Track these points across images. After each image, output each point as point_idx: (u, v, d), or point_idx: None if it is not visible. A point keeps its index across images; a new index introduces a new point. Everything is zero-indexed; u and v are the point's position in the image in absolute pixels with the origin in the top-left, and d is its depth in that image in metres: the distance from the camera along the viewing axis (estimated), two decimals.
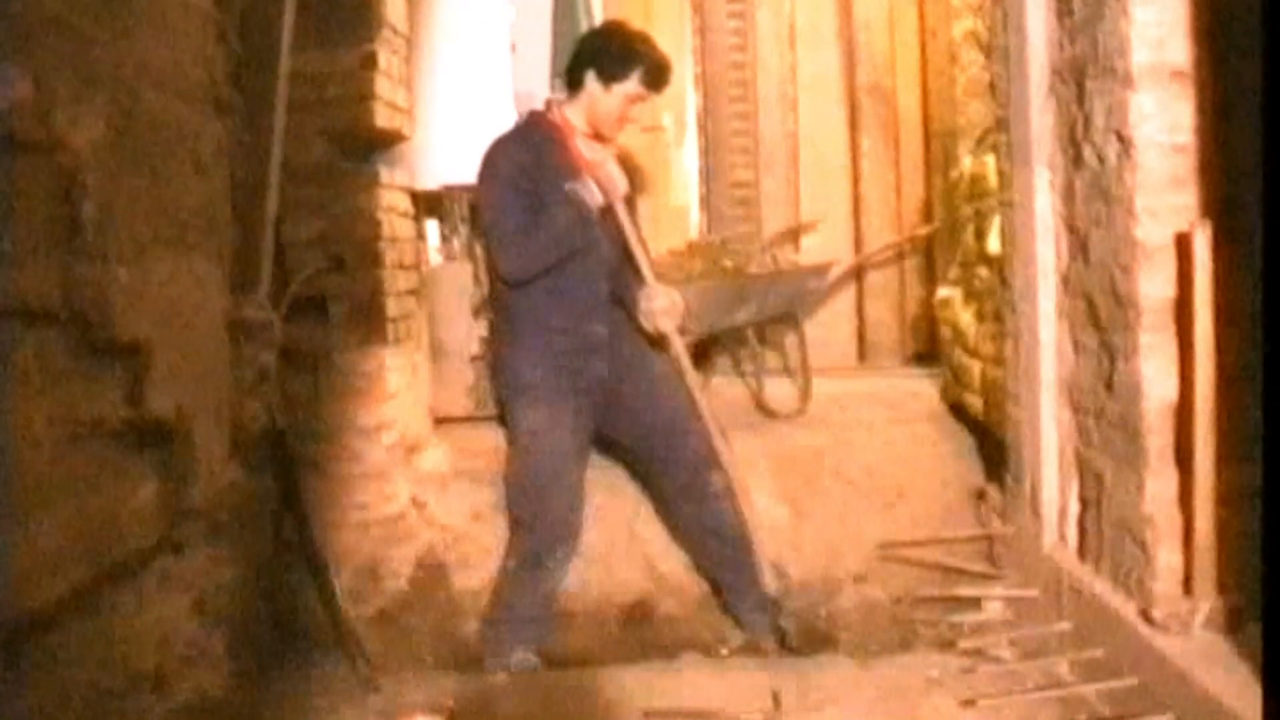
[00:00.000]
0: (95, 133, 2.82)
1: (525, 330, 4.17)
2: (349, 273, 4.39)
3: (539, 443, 4.14)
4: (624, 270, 4.21)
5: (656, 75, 4.14)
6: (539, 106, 4.36)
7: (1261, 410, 1.93)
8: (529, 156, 4.09)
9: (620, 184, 4.05)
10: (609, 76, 4.08)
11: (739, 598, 4.26)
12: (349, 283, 4.40)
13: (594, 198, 4.02)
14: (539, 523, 4.13)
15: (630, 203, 4.31)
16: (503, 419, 4.45)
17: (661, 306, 4.11)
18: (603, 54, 4.12)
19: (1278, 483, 1.88)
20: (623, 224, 4.07)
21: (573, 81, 4.16)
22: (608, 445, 4.52)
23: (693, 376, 4.19)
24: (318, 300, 4.38)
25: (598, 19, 8.03)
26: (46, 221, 2.67)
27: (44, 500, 2.63)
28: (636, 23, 7.14)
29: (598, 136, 4.17)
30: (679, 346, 4.17)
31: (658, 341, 4.20)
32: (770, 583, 4.13)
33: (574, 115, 4.16)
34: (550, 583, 4.18)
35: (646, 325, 4.17)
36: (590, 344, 4.15)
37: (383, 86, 4.39)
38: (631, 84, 4.09)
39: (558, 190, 4.02)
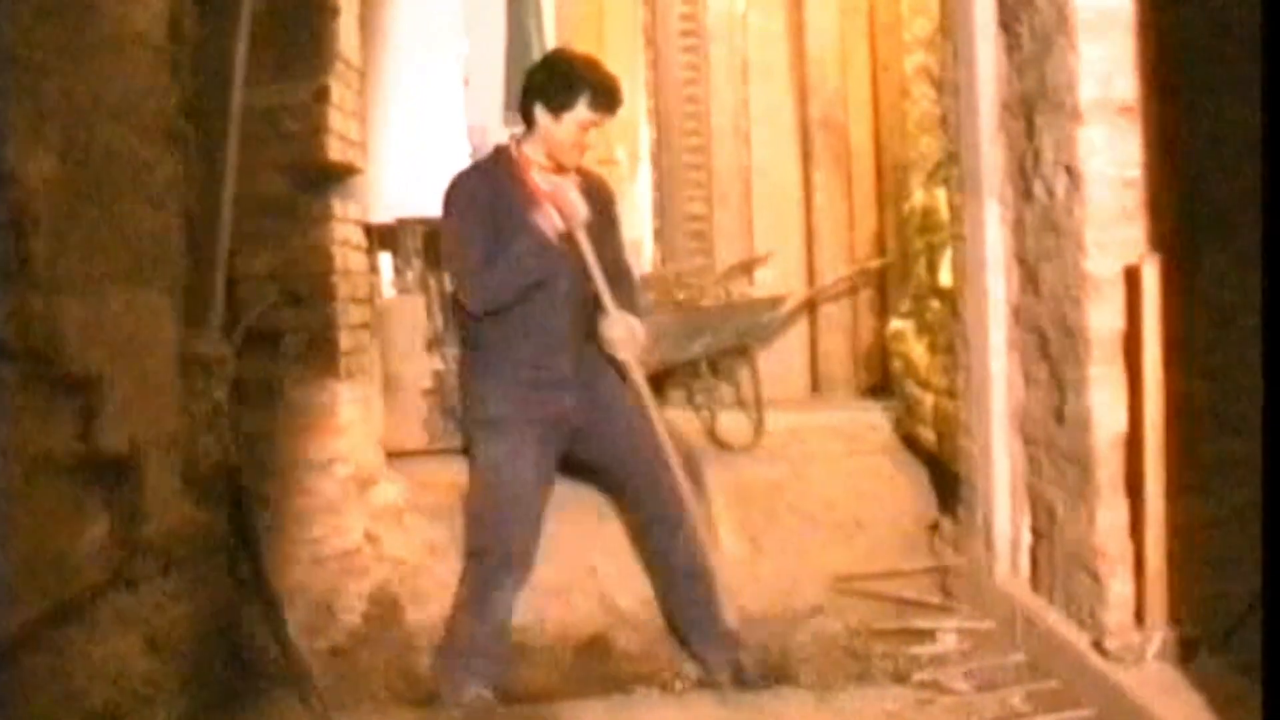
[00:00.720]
0: (48, 165, 2.81)
1: (490, 363, 4.15)
2: (302, 306, 4.37)
3: (501, 475, 4.11)
4: (581, 307, 4.20)
5: (604, 98, 4.07)
6: (493, 139, 4.36)
7: (1262, 423, 1.95)
8: (489, 191, 4.07)
9: (580, 210, 4.03)
10: (557, 106, 4.02)
11: (701, 634, 4.23)
12: (302, 316, 4.37)
13: (553, 225, 4.01)
14: (492, 553, 4.10)
15: (613, 222, 4.33)
16: (466, 450, 4.42)
17: (619, 336, 4.09)
18: (547, 85, 4.07)
19: (1277, 501, 1.90)
20: (584, 251, 4.06)
21: (525, 116, 4.15)
22: (575, 470, 4.50)
23: (654, 406, 4.18)
24: (271, 334, 4.34)
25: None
26: None
27: None
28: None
29: (558, 168, 4.15)
30: (638, 376, 4.16)
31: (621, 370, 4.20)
32: (730, 617, 4.13)
33: (531, 149, 4.14)
34: (500, 613, 4.14)
35: (608, 353, 4.17)
36: (555, 377, 4.11)
37: (335, 120, 4.38)
38: (581, 110, 4.02)
39: (517, 223, 4.01)
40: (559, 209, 4.00)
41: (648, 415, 4.13)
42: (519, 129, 4.26)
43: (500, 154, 4.22)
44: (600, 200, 4.23)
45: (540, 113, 4.03)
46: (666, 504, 4.15)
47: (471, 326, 4.16)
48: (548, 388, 4.11)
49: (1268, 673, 1.97)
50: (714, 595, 4.12)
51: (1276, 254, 1.94)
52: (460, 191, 4.12)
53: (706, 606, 4.16)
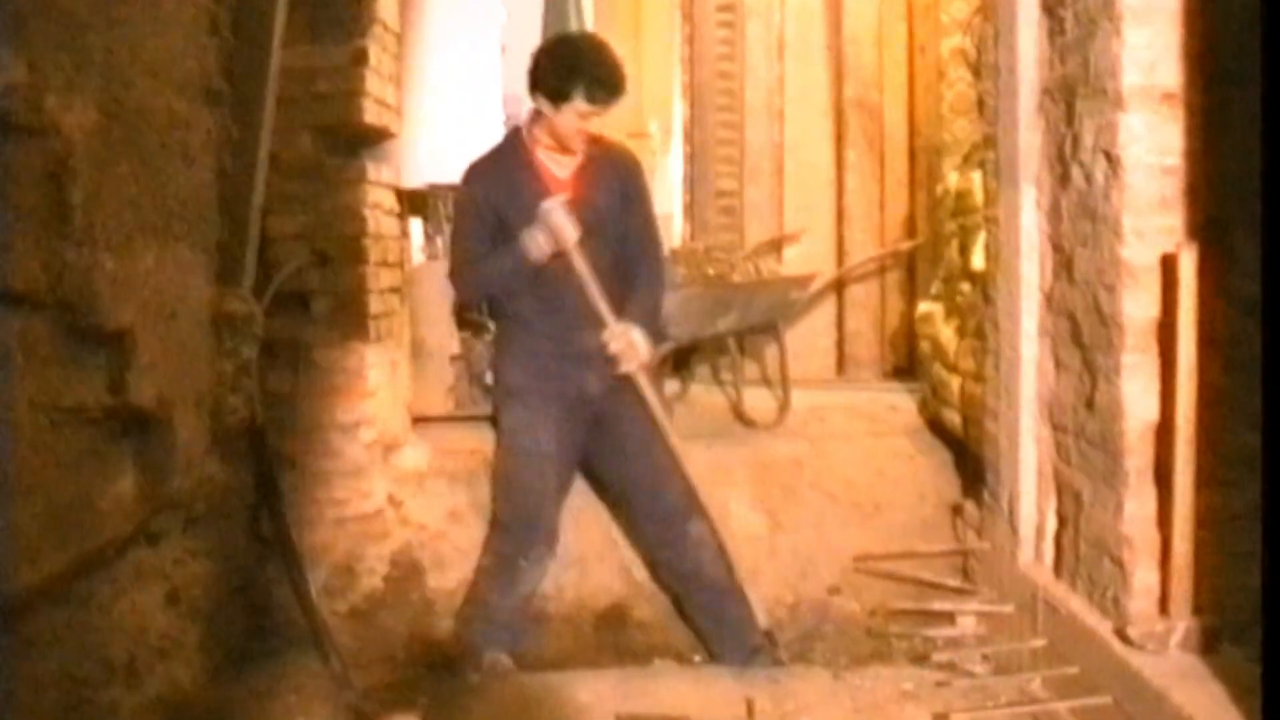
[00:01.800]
0: (87, 119, 2.82)
1: (514, 335, 4.22)
2: (332, 268, 4.38)
3: (518, 442, 4.15)
4: (620, 273, 4.20)
5: (601, 90, 4.00)
6: (527, 108, 4.34)
7: (1262, 426, 1.94)
8: (500, 182, 4.10)
9: (569, 234, 3.99)
10: (554, 96, 3.98)
11: (720, 645, 4.24)
12: (332, 278, 4.38)
13: (540, 248, 4.00)
14: (513, 522, 4.14)
15: (637, 196, 4.27)
16: (495, 419, 4.44)
17: (618, 349, 4.07)
18: (545, 74, 4.02)
19: (1277, 498, 1.89)
20: (578, 268, 4.03)
21: (532, 101, 4.13)
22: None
23: (663, 418, 4.17)
24: (300, 295, 4.36)
25: (589, 22, 8.04)
26: (35, 206, 2.66)
27: (24, 486, 2.62)
28: (626, 31, 7.21)
29: (564, 149, 4.13)
30: (646, 388, 4.14)
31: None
32: (763, 618, 4.15)
33: (538, 131, 4.12)
34: (524, 585, 4.16)
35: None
36: (578, 353, 4.10)
37: (372, 83, 4.38)
38: (578, 101, 3.96)
39: (524, 213, 4.03)
40: (551, 230, 3.99)
41: (659, 428, 4.15)
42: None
43: (513, 136, 4.23)
44: (620, 177, 4.22)
45: (540, 100, 4.02)
46: (673, 521, 4.21)
47: (497, 299, 4.18)
48: (570, 362, 4.12)
49: (1268, 674, 1.96)
50: (732, 611, 4.18)
51: (1276, 255, 1.93)
52: (473, 181, 4.16)
53: (723, 621, 4.22)
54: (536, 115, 4.09)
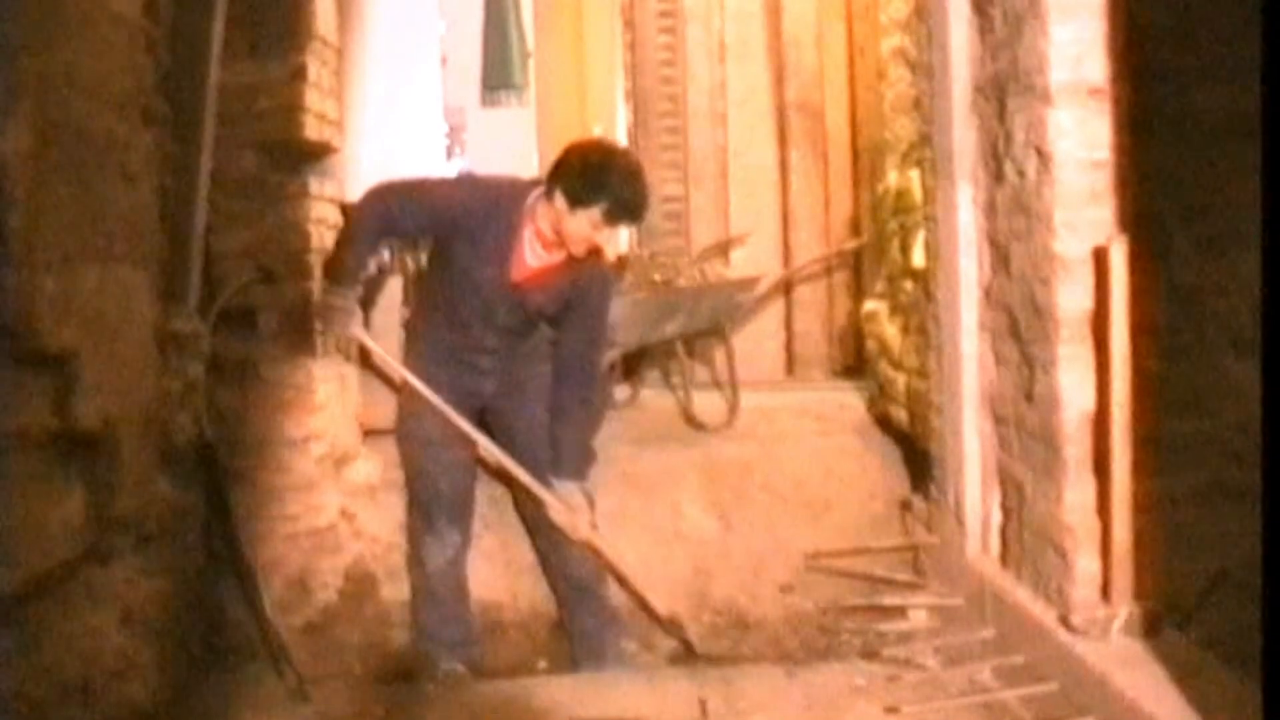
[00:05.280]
0: (22, 142, 2.81)
1: (420, 328, 4.41)
2: (278, 284, 4.38)
3: (405, 425, 4.38)
4: (518, 334, 4.33)
5: (620, 213, 4.00)
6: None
7: (1262, 414, 1.98)
8: (482, 216, 4.11)
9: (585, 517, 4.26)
10: (575, 200, 3.92)
11: (578, 645, 4.37)
12: (278, 294, 4.38)
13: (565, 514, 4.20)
14: (412, 500, 4.38)
15: (594, 314, 4.31)
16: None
17: (564, 522, 4.22)
18: (575, 177, 3.96)
19: (1277, 488, 1.93)
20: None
21: (550, 191, 4.02)
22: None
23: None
24: (246, 311, 4.35)
25: (529, 33, 8.06)
26: None
27: None
28: (567, 37, 7.24)
29: (559, 246, 4.07)
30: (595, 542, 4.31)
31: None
32: (660, 606, 4.32)
33: (542, 217, 4.06)
34: (442, 558, 4.28)
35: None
36: (479, 368, 4.30)
37: (312, 98, 4.39)
38: (595, 212, 3.92)
39: (475, 256, 4.10)
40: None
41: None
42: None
43: (522, 196, 4.16)
44: (581, 294, 4.20)
45: (559, 197, 3.96)
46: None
47: (417, 298, 4.43)
48: (468, 369, 4.28)
49: (1268, 676, 1.99)
50: (592, 607, 4.35)
51: (1277, 256, 1.96)
52: (457, 183, 4.23)
53: (600, 622, 4.35)
54: (548, 200, 4.03)
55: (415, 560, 4.34)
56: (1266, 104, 2.00)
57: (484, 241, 4.08)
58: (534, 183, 4.22)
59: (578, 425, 4.30)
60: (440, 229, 4.19)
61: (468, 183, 4.23)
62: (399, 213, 4.18)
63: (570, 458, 4.25)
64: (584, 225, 3.95)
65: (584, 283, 4.18)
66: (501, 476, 4.52)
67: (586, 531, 4.22)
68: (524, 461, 4.26)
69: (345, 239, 4.38)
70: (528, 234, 4.10)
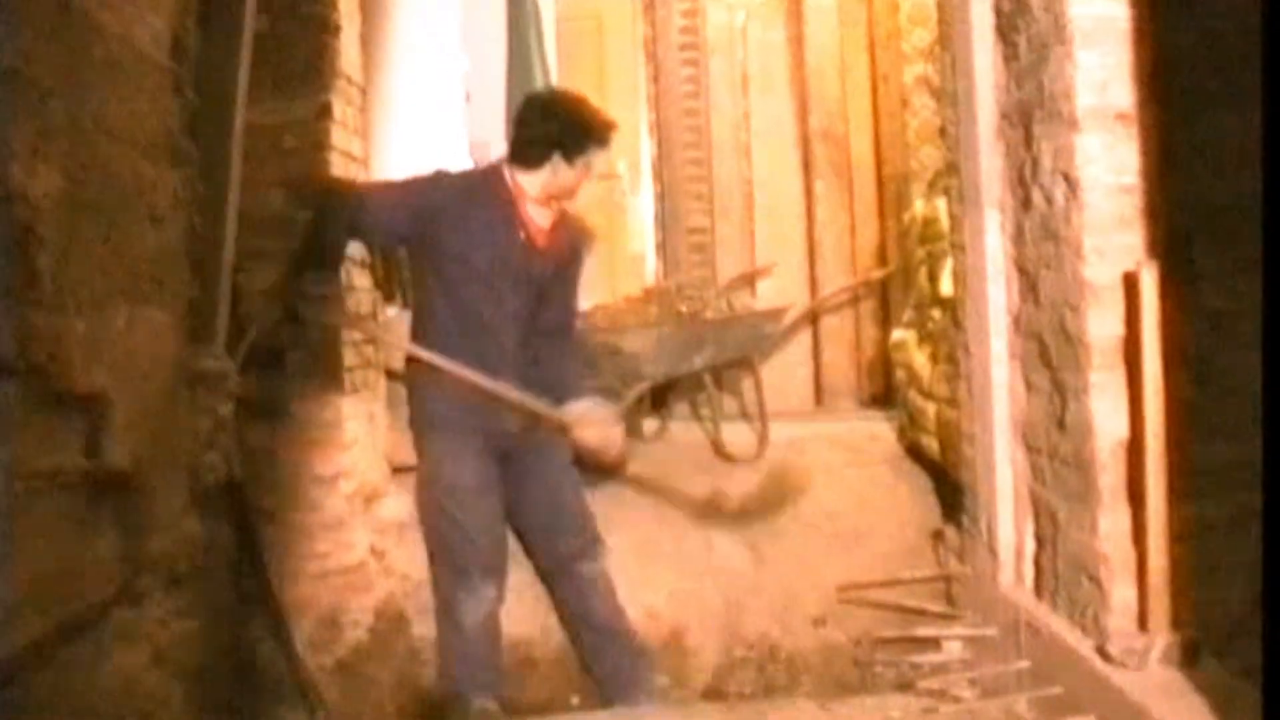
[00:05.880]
0: (52, 184, 2.82)
1: (438, 350, 4.27)
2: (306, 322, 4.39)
3: (441, 475, 4.26)
4: (534, 331, 4.33)
5: (607, 134, 4.28)
6: (494, 156, 4.41)
7: (1262, 431, 1.95)
8: (465, 207, 4.19)
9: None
10: (572, 154, 4.19)
11: (606, 688, 4.33)
12: (305, 332, 4.39)
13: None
14: (442, 554, 4.27)
15: (574, 275, 4.47)
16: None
17: (596, 438, 4.30)
18: (565, 135, 4.19)
19: (1277, 505, 1.91)
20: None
21: (535, 159, 4.21)
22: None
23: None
24: (275, 350, 4.36)
25: (552, 68, 8.08)
26: (2, 273, 2.66)
27: (3, 554, 2.61)
28: (590, 70, 7.26)
29: (549, 202, 4.27)
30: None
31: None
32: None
33: (528, 182, 4.23)
34: (468, 619, 4.18)
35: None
36: (495, 354, 4.23)
37: (338, 137, 4.41)
38: (591, 153, 4.22)
39: (486, 248, 4.14)
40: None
41: (567, 475, 4.39)
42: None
43: (493, 178, 4.29)
44: (575, 244, 4.42)
45: (557, 159, 4.17)
46: (566, 561, 4.34)
47: (421, 333, 4.30)
48: (488, 399, 4.19)
49: (1268, 676, 1.97)
50: (616, 648, 4.34)
51: (1276, 256, 1.95)
52: (430, 181, 4.26)
53: (619, 669, 4.32)
54: (526, 170, 4.22)
55: (447, 617, 4.23)
56: (1267, 125, 1.99)
57: (489, 231, 4.17)
58: (495, 163, 4.43)
59: (574, 353, 4.50)
60: (422, 225, 4.20)
61: (435, 175, 4.29)
62: (372, 223, 4.34)
63: (577, 378, 4.39)
64: (580, 171, 4.24)
65: (579, 235, 4.49)
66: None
67: (620, 444, 4.34)
68: (536, 510, 4.35)
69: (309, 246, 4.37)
70: (528, 206, 4.24)
